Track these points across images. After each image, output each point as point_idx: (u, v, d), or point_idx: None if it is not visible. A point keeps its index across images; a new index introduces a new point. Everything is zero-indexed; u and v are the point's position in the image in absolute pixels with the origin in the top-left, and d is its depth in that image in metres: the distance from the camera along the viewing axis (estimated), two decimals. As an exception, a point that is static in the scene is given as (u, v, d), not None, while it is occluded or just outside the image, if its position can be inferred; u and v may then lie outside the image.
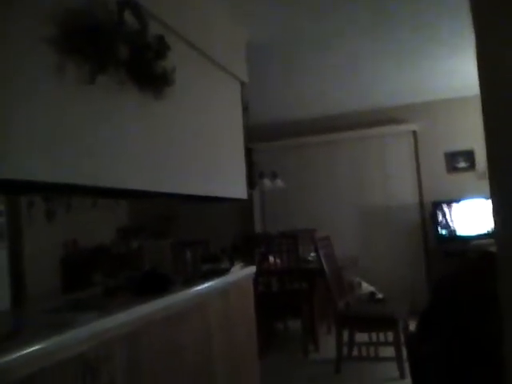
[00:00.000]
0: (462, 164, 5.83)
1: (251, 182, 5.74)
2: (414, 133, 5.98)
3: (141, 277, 2.30)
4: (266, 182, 5.75)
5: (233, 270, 2.90)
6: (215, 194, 3.10)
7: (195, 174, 2.80)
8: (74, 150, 1.84)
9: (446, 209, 5.58)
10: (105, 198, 3.98)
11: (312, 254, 4.77)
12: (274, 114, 6.12)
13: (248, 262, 3.28)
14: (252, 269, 3.22)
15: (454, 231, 5.53)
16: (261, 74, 4.35)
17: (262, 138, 6.27)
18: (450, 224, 5.55)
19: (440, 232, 5.58)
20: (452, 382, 1.47)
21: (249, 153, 5.60)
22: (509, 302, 0.73)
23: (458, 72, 4.87)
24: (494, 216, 0.78)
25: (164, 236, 4.78)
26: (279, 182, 5.80)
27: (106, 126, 2.02)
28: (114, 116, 2.08)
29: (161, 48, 2.18)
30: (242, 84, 3.59)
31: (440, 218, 5.59)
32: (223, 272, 2.80)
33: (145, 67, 2.12)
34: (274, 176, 5.79)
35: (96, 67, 1.83)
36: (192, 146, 2.79)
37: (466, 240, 5.39)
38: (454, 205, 5.55)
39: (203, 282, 2.49)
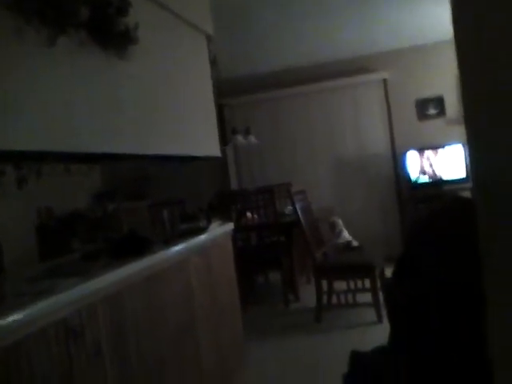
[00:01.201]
0: (433, 111, 5.88)
1: (224, 139, 5.71)
2: (385, 81, 5.98)
3: (119, 240, 2.30)
4: (239, 139, 5.71)
5: (211, 228, 2.92)
6: (187, 154, 3.07)
7: (165, 133, 2.76)
8: (40, 116, 1.79)
9: (417, 156, 5.66)
10: (77, 164, 3.91)
11: (289, 208, 4.83)
12: (244, 67, 6.01)
13: (225, 220, 3.31)
14: (230, 226, 3.25)
15: (426, 178, 5.64)
16: (228, 26, 4.24)
17: (233, 93, 6.18)
18: (422, 171, 5.65)
19: (412, 179, 5.69)
20: (427, 324, 1.54)
21: (220, 109, 5.54)
22: (487, 246, 0.76)
23: (429, 17, 4.83)
24: (470, 163, 0.79)
25: (140, 198, 4.76)
26: (252, 138, 5.77)
27: (71, 90, 1.97)
28: (79, 79, 2.02)
29: (122, 4, 2.09)
30: (209, 37, 3.48)
31: (412, 165, 5.68)
32: (201, 231, 2.81)
33: (106, 25, 2.04)
34: (246, 132, 5.75)
35: (56, 29, 1.76)
36: (160, 105, 2.73)
37: (437, 186, 5.51)
38: (426, 152, 5.64)
39: (182, 242, 2.50)
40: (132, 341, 1.93)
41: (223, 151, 5.39)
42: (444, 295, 1.49)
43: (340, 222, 5.23)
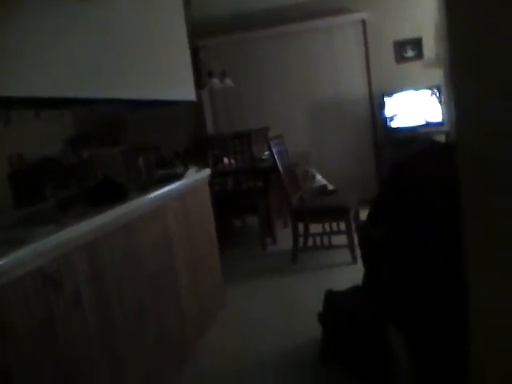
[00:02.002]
0: (410, 53, 5.82)
1: (199, 83, 5.56)
2: (363, 22, 5.85)
3: (94, 187, 2.27)
4: (215, 82, 5.58)
5: (187, 174, 2.91)
6: (161, 98, 3.00)
7: (138, 77, 2.68)
8: (10, 61, 1.71)
9: (394, 99, 5.65)
10: (48, 109, 3.79)
11: (266, 153, 4.82)
12: (219, 7, 5.79)
13: (202, 165, 3.29)
14: (207, 171, 3.24)
15: (402, 122, 5.66)
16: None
17: (208, 34, 5.98)
18: (398, 114, 5.66)
19: (388, 123, 5.70)
20: (400, 263, 1.59)
21: (195, 51, 5.37)
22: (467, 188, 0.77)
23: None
24: (453, 111, 0.79)
25: (114, 144, 4.68)
26: (228, 81, 5.65)
27: (42, 35, 1.87)
28: (50, 24, 1.92)
29: None
30: (182, -24, 3.33)
31: (388, 108, 5.67)
32: (178, 177, 2.80)
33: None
34: (222, 75, 5.62)
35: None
36: (132, 49, 2.63)
37: (413, 130, 5.55)
38: (402, 95, 5.62)
39: (159, 188, 2.49)
40: (111, 287, 1.95)
41: (199, 95, 5.28)
42: (416, 234, 1.53)
43: (313, 170, 5.26)
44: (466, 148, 0.77)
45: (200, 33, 5.65)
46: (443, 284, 1.41)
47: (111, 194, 2.20)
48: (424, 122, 5.56)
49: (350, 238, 3.84)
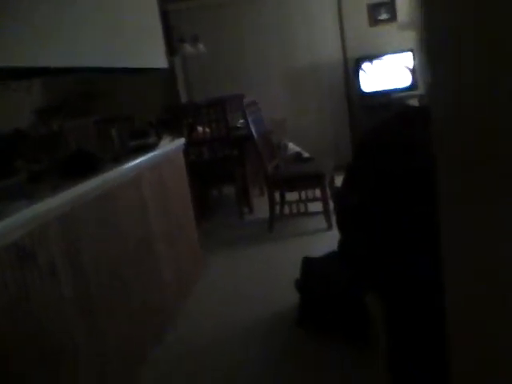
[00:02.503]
0: (384, 15, 5.78)
1: (171, 49, 5.44)
2: (337, -15, 5.76)
3: (67, 159, 2.23)
4: (187, 47, 5.46)
5: (161, 143, 2.87)
6: (131, 65, 2.93)
7: (107, 45, 2.60)
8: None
9: (368, 64, 5.63)
10: (15, 79, 3.66)
11: (241, 121, 4.78)
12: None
13: (176, 135, 3.25)
14: (181, 141, 3.20)
15: (376, 86, 5.66)
16: None
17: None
18: (372, 79, 5.65)
19: (362, 88, 5.69)
20: (374, 228, 1.61)
21: (165, 16, 5.22)
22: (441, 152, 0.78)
23: None
24: (429, 79, 0.79)
25: (86, 115, 4.57)
26: (201, 47, 5.53)
27: (9, 4, 1.79)
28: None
29: None
30: None
31: (362, 73, 5.66)
32: (152, 147, 2.76)
33: None
34: (195, 40, 5.49)
35: None
36: (100, 15, 2.54)
37: (386, 94, 5.56)
38: (376, 60, 5.60)
39: (133, 159, 2.46)
40: (87, 258, 1.94)
41: (171, 62, 5.16)
42: (391, 199, 1.55)
43: (285, 140, 5.25)
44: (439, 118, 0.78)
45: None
46: (418, 252, 1.44)
47: (84, 165, 2.16)
48: (398, 87, 5.57)
49: (326, 204, 3.88)
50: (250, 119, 4.04)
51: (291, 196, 4.36)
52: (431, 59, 0.77)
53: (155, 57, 3.29)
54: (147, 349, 2.41)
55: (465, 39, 0.67)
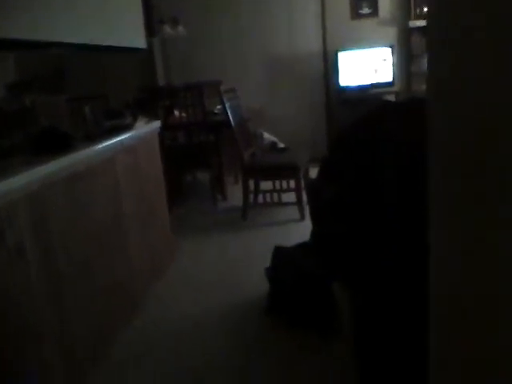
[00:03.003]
0: (366, 10, 5.79)
1: (150, 30, 5.33)
2: (321, -24, 5.74)
3: (38, 135, 2.16)
4: (167, 29, 5.37)
5: (137, 125, 2.82)
6: (109, 43, 2.85)
7: (85, 20, 2.53)
8: None
9: (347, 56, 5.64)
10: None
11: (218, 107, 4.73)
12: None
13: (152, 117, 3.19)
14: (157, 123, 3.15)
15: (353, 80, 5.68)
16: None
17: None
18: (351, 72, 5.67)
19: (341, 81, 5.71)
20: (353, 220, 1.62)
21: (146, -4, 5.11)
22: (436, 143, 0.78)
23: None
24: (428, 68, 0.79)
25: (58, 91, 4.44)
26: (181, 29, 5.44)
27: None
28: None
29: None
30: None
31: (341, 66, 5.67)
32: (127, 128, 2.71)
33: None
34: (175, 22, 5.40)
35: None
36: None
37: (364, 89, 5.60)
38: (356, 53, 5.62)
39: (106, 139, 2.41)
40: (56, 238, 1.89)
41: (149, 43, 5.06)
42: (368, 192, 1.56)
43: (260, 130, 5.23)
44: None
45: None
46: (398, 246, 1.46)
47: (56, 143, 2.10)
48: (375, 82, 5.61)
49: (299, 195, 3.90)
50: (227, 105, 4.00)
51: (265, 185, 4.36)
52: (433, 54, 0.77)
53: (134, 36, 3.22)
54: (116, 331, 2.38)
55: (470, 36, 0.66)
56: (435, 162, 0.79)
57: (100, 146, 2.30)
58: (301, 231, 3.38)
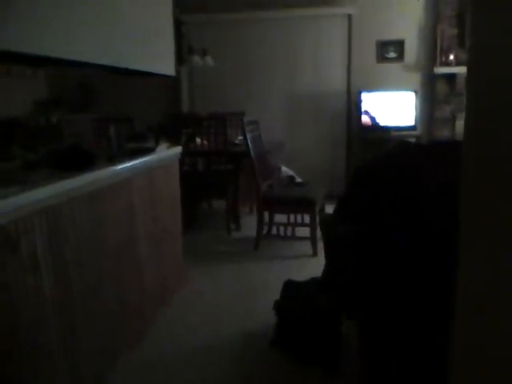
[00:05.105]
0: (392, 54, 5.88)
1: (180, 58, 5.48)
2: (349, 17, 5.86)
3: (63, 152, 2.22)
4: (196, 59, 5.50)
5: (158, 149, 2.86)
6: (141, 68, 2.93)
7: (119, 43, 2.61)
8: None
9: (371, 98, 5.70)
10: (18, 65, 3.65)
11: (239, 138, 4.80)
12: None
13: (174, 143, 3.24)
14: (178, 149, 3.20)
15: (377, 121, 5.72)
16: None
17: (193, 10, 5.87)
18: (374, 114, 5.72)
19: (362, 120, 5.75)
20: (364, 259, 1.62)
21: (178, 25, 5.27)
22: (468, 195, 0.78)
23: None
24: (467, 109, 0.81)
25: (85, 110, 4.56)
26: (209, 60, 5.58)
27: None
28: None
29: None
30: None
31: (364, 106, 5.73)
32: (149, 151, 2.76)
33: None
34: (203, 53, 5.54)
35: None
36: (115, 13, 2.56)
37: (386, 130, 5.62)
38: (380, 95, 5.68)
39: (128, 160, 2.45)
40: (70, 254, 1.91)
41: (178, 71, 5.19)
42: (381, 230, 1.56)
43: (279, 164, 5.27)
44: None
45: (185, 7, 5.55)
46: (409, 285, 1.44)
47: (79, 160, 2.14)
48: (397, 124, 5.64)
49: (313, 230, 3.88)
50: (248, 136, 4.05)
51: (280, 218, 4.35)
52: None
53: (165, 63, 3.30)
54: (122, 350, 2.37)
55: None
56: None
57: (120, 166, 2.34)
58: (313, 267, 3.36)
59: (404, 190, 1.53)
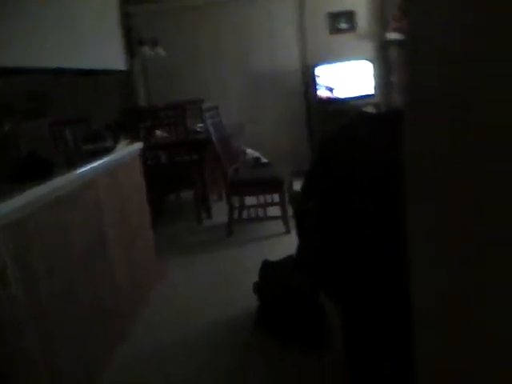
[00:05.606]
0: (344, 25, 5.90)
1: (130, 51, 5.37)
2: (299, -7, 5.83)
3: (18, 162, 2.16)
4: (146, 51, 5.40)
5: (118, 147, 2.82)
6: (89, 67, 2.87)
7: (60, 44, 2.54)
8: None
9: (327, 71, 5.72)
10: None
11: (200, 125, 4.76)
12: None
13: (134, 138, 3.20)
14: (138, 145, 3.16)
15: (334, 93, 5.75)
16: None
17: (140, 1, 5.73)
18: (332, 86, 5.74)
19: (320, 94, 5.77)
20: (329, 234, 1.64)
21: (126, 18, 5.14)
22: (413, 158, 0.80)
23: None
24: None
25: (38, 116, 4.43)
26: (160, 50, 5.48)
27: None
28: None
29: None
30: None
31: (321, 80, 5.74)
32: (108, 151, 2.71)
33: None
34: (154, 43, 5.44)
35: None
36: (53, 13, 2.48)
37: (344, 102, 5.67)
38: (335, 67, 5.70)
39: (88, 163, 2.40)
40: (39, 264, 1.88)
41: (130, 65, 5.09)
42: (350, 201, 1.58)
43: (242, 145, 5.26)
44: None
45: (129, -1, 5.42)
46: (376, 257, 1.47)
47: (37, 170, 2.09)
48: (356, 95, 5.68)
49: (284, 209, 3.92)
50: (208, 123, 4.03)
51: (250, 201, 4.37)
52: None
53: (113, 58, 3.24)
54: (103, 354, 2.36)
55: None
56: (410, 167, 0.81)
57: (80, 170, 2.30)
58: (287, 244, 3.39)
59: (355, 154, 1.56)
